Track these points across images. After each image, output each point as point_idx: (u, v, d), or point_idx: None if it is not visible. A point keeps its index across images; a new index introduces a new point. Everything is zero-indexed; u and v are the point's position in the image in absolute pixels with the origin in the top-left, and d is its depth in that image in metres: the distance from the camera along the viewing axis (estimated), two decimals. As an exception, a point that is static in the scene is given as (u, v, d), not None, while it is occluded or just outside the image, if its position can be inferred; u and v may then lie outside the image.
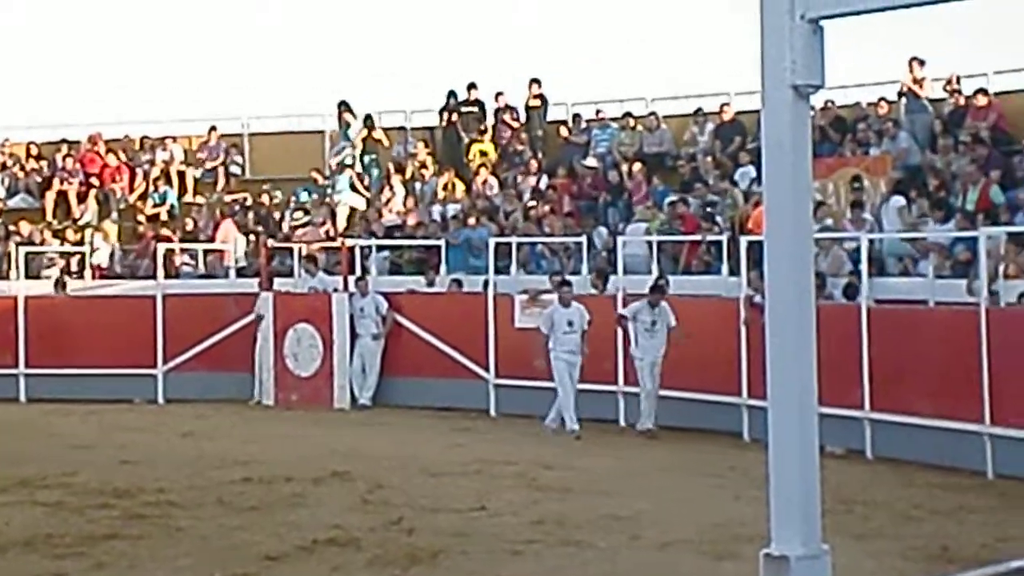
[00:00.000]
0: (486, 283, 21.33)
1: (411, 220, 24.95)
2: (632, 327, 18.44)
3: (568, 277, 20.05)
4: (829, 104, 23.17)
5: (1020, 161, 19.76)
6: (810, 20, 3.84)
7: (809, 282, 3.46)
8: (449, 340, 21.14)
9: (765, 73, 3.38)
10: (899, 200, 19.78)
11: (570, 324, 18.49)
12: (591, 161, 25.23)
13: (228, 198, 27.61)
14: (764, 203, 3.43)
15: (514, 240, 22.25)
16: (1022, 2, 17.97)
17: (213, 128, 28.88)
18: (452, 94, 27.14)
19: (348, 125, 27.36)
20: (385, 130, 27.59)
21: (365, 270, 22.94)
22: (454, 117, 27.00)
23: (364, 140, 27.35)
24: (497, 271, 21.36)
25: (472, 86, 27.05)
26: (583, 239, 21.74)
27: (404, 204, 25.49)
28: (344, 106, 27.56)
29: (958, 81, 22.29)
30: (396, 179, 25.96)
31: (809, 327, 3.37)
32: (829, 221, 19.78)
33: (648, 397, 18.20)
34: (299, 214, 26.12)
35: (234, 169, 28.62)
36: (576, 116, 26.56)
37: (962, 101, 21.99)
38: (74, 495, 13.94)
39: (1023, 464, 14.39)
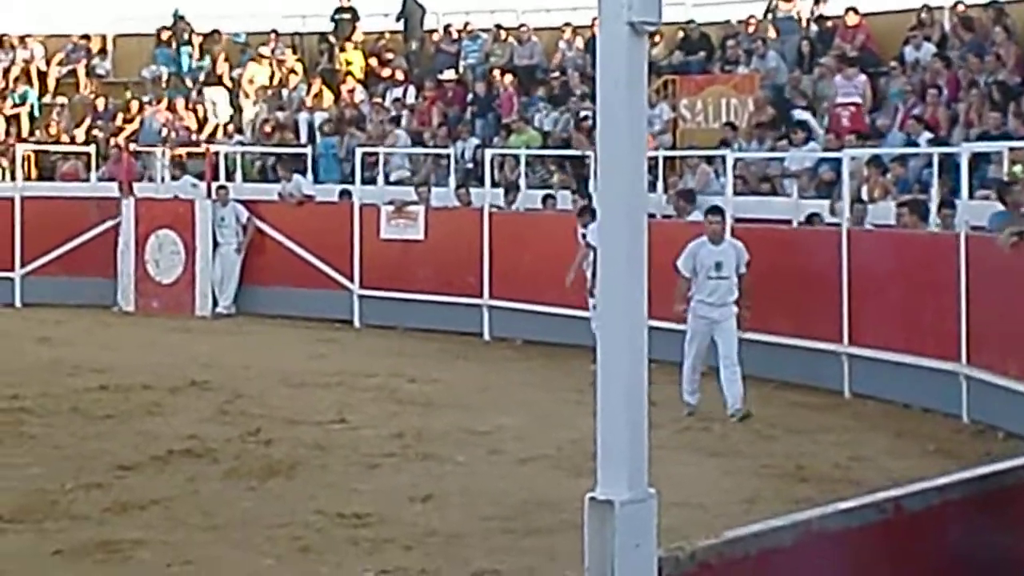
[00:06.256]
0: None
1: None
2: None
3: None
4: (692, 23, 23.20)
5: (886, 83, 19.92)
6: (646, -42, 3.77)
7: (642, 215, 3.39)
8: (314, 250, 20.93)
9: (601, 9, 3.30)
10: None
11: (718, 266, 14.08)
12: (451, 73, 24.93)
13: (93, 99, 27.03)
14: (598, 138, 3.36)
15: (381, 150, 22.03)
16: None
17: (82, 33, 28.19)
18: None
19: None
20: (251, 34, 27.19)
21: (229, 177, 22.64)
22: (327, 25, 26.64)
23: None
24: (364, 181, 21.14)
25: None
26: (449, 150, 21.63)
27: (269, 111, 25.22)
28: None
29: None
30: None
31: (641, 248, 3.28)
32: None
33: None
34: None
35: (99, 71, 27.99)
36: (447, 27, 26.28)
37: (830, 24, 22.09)
38: (-78, 401, 13.70)
39: (878, 384, 14.60)
